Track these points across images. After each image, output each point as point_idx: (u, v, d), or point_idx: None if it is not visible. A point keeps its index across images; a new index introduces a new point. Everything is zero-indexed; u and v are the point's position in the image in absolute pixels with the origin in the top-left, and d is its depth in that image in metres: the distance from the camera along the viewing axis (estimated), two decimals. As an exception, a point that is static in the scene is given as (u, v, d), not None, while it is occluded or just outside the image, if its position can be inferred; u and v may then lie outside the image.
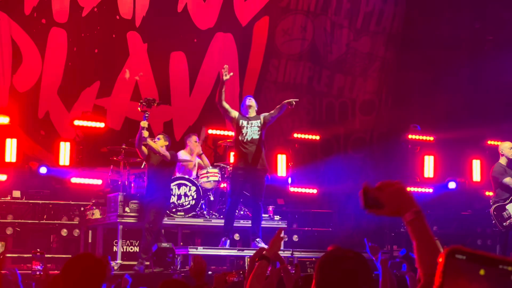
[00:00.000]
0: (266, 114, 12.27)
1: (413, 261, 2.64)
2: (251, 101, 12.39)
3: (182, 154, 14.04)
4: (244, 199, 13.39)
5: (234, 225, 13.18)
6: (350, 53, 18.97)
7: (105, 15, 16.14)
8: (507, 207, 12.77)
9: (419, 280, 2.60)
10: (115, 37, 16.28)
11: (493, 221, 12.92)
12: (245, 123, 12.16)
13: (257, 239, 12.26)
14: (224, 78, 12.04)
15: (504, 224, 12.75)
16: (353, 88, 19.07)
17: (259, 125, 12.17)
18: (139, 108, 12.24)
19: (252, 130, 12.12)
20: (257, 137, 12.11)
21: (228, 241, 12.37)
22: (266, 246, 11.81)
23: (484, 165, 16.84)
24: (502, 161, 13.11)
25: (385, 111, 19.23)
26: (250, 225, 12.60)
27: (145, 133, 12.05)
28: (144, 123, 12.02)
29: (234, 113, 12.23)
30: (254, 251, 12.02)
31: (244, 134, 12.11)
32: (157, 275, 11.53)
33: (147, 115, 12.10)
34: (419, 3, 19.12)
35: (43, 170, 14.45)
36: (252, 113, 12.32)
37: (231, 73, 12.23)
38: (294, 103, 12.02)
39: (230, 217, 12.49)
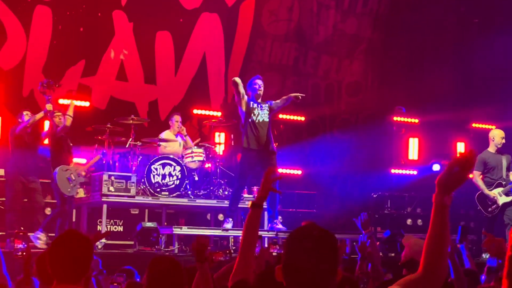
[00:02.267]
0: (273, 102, 12.30)
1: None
2: (261, 90, 12.36)
3: (166, 134, 14.02)
4: (229, 179, 13.43)
5: (219, 205, 13.22)
6: (337, 34, 18.95)
7: (90, -7, 16.04)
8: (491, 193, 12.96)
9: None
10: (100, 15, 16.17)
11: (478, 208, 13.12)
12: (255, 105, 12.21)
13: (275, 221, 12.33)
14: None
15: (489, 209, 12.94)
16: (339, 69, 19.06)
17: (268, 109, 12.23)
18: (39, 89, 12.21)
19: (263, 113, 12.20)
20: (267, 120, 12.21)
21: (231, 220, 12.43)
22: (284, 228, 11.97)
23: (468, 147, 16.89)
24: (491, 148, 13.21)
25: (371, 93, 19.24)
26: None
27: (49, 106, 12.10)
28: (49, 106, 12.04)
29: (245, 95, 12.22)
30: (239, 232, 12.11)
31: (256, 115, 12.15)
32: (143, 254, 11.56)
33: (49, 98, 12.08)
34: (405, -15, 19.11)
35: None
36: (259, 98, 12.37)
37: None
38: (300, 97, 12.11)
39: (236, 198, 12.55)
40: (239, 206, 12.91)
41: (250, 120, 12.17)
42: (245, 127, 12.29)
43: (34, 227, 12.25)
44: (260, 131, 12.14)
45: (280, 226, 12.32)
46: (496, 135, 13.16)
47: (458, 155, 2.39)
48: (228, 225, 12.40)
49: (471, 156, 2.54)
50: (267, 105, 12.28)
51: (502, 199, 12.85)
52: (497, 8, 18.22)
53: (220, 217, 14.03)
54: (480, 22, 18.85)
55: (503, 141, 13.08)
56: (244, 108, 12.21)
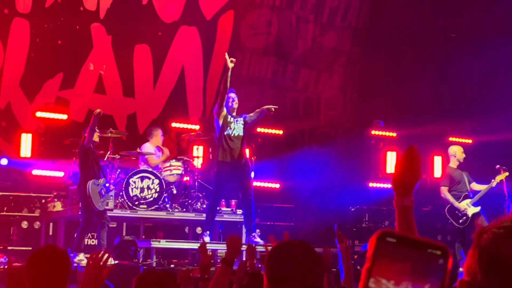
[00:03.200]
0: (247, 116, 12.31)
1: None
2: (236, 102, 12.34)
3: (147, 147, 14.01)
4: (207, 192, 13.42)
5: (197, 218, 13.22)
6: (316, 48, 19.01)
7: (68, 6, 16.00)
8: (460, 205, 13.54)
9: None
10: (78, 28, 16.15)
11: (449, 221, 13.71)
12: (232, 119, 12.21)
13: (253, 234, 12.30)
14: (229, 65, 11.92)
15: (460, 221, 13.51)
16: (318, 83, 19.12)
17: (242, 123, 12.23)
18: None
19: (238, 127, 12.19)
20: (242, 134, 12.21)
21: (209, 233, 12.40)
22: (262, 241, 11.96)
23: (445, 161, 16.98)
24: (453, 164, 13.88)
25: (350, 106, 19.30)
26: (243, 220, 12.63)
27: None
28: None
29: (224, 108, 12.22)
30: (216, 245, 12.07)
31: (232, 129, 12.14)
32: (121, 268, 11.51)
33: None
34: (384, -1, 19.22)
35: (4, 161, 14.34)
36: (234, 111, 12.36)
37: (234, 59, 12.09)
38: (273, 109, 12.12)
39: (212, 211, 12.50)
40: (216, 219, 12.89)
41: (225, 133, 12.17)
42: (220, 140, 12.30)
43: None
44: (234, 145, 12.15)
45: (258, 239, 12.32)
46: (457, 151, 13.83)
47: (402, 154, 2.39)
48: (206, 239, 12.38)
49: (413, 150, 2.53)
50: (241, 119, 12.28)
51: (471, 210, 13.48)
52: (474, 22, 18.34)
53: (198, 230, 14.02)
54: (458, 36, 18.97)
55: (464, 155, 13.77)
56: (221, 121, 12.21)
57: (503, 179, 13.48)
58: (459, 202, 13.54)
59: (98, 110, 11.91)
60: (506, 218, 1.93)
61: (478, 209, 13.47)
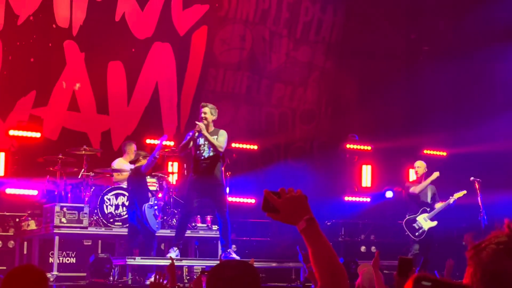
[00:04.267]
0: (222, 135, 12.15)
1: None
2: (205, 115, 12.11)
3: (119, 162, 13.96)
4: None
5: (172, 234, 13.15)
6: (290, 62, 19.05)
7: (41, 24, 15.93)
8: (417, 218, 13.89)
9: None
10: (51, 46, 16.07)
11: (406, 233, 13.99)
12: (202, 140, 12.04)
13: (229, 250, 12.21)
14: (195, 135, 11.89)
15: (416, 234, 13.85)
16: (293, 97, 19.14)
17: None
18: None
19: (210, 148, 12.01)
20: (213, 154, 12.02)
21: (177, 250, 12.27)
22: (238, 257, 11.92)
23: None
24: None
25: (325, 120, 19.34)
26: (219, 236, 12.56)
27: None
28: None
29: (189, 139, 12.04)
30: (192, 261, 12.03)
31: (201, 152, 12.02)
32: (96, 286, 11.44)
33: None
34: (357, 13, 19.31)
35: (-24, 180, 14.22)
36: (210, 128, 12.12)
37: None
38: (198, 128, 11.95)
39: (182, 227, 12.40)
40: (192, 235, 12.83)
41: (196, 155, 12.07)
42: (190, 156, 12.27)
43: None
44: (205, 164, 12.03)
45: (234, 255, 12.26)
46: (421, 166, 14.18)
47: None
48: (172, 254, 12.25)
49: (265, 196, 2.70)
50: (216, 137, 12.03)
51: (427, 224, 13.80)
52: (446, 35, 18.47)
53: (162, 246, 14.01)
54: (430, 49, 19.09)
55: (426, 170, 14.14)
56: (190, 145, 12.13)
57: (461, 196, 13.78)
58: (417, 215, 13.89)
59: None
60: (500, 234, 1.92)
61: (434, 223, 13.81)
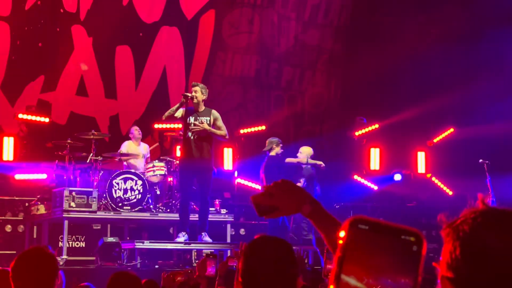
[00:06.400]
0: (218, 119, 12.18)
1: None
2: (196, 94, 12.16)
3: (128, 145, 14.02)
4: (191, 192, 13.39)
5: (173, 218, 13.18)
6: (298, 45, 19.01)
7: (49, 8, 15.94)
8: None
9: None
10: (59, 30, 16.09)
11: None
12: (192, 119, 12.04)
13: (203, 233, 12.26)
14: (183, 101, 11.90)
15: None
16: (302, 81, 19.11)
17: (209, 122, 12.06)
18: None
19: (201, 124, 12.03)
20: (205, 134, 12.04)
21: (185, 234, 12.31)
22: (211, 240, 11.90)
23: (429, 157, 17.03)
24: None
25: (334, 103, 19.30)
26: (197, 219, 12.58)
27: None
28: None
29: (179, 113, 12.06)
30: (201, 245, 12.04)
31: (192, 133, 12.02)
32: (105, 269, 11.48)
33: None
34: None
35: (-14, 165, 14.28)
36: (201, 107, 12.17)
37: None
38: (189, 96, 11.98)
39: (184, 211, 12.44)
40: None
41: (186, 135, 12.09)
42: (182, 139, 12.30)
43: None
44: (194, 144, 12.04)
45: (207, 238, 12.28)
46: (307, 151, 14.41)
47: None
48: (181, 239, 12.30)
49: (254, 202, 2.66)
50: (208, 118, 12.07)
51: None
52: (455, 17, 18.36)
53: (171, 230, 14.05)
54: (439, 32, 19.00)
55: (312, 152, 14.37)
56: (182, 123, 12.18)
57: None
58: None
59: None
60: (475, 209, 1.90)
61: None
